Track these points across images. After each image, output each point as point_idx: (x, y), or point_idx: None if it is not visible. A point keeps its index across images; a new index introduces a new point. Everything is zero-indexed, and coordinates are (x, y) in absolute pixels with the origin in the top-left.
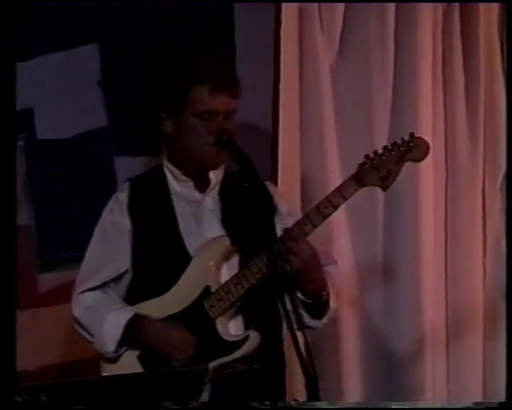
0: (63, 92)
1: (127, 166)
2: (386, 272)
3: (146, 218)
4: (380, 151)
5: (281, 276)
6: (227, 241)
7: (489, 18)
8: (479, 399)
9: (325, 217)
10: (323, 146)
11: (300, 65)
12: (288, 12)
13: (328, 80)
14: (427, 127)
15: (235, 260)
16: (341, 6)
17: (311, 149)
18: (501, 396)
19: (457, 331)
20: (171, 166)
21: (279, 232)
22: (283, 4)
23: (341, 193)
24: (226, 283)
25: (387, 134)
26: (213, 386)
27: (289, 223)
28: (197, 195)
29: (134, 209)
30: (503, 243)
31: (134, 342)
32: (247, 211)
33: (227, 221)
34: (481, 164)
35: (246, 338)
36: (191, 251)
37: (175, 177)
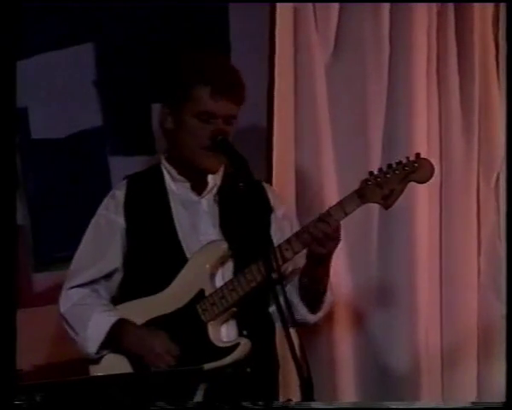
0: (58, 91)
1: (122, 166)
2: (382, 275)
3: (142, 217)
4: (384, 169)
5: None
6: (224, 245)
7: (484, 18)
8: (473, 399)
9: None
10: (318, 146)
11: (295, 65)
12: (283, 12)
13: (322, 80)
14: (422, 127)
15: (230, 264)
16: (336, 6)
17: (305, 149)
18: (497, 397)
19: (452, 330)
20: (168, 166)
21: (274, 235)
22: (278, 4)
23: (343, 208)
24: (221, 288)
25: (382, 134)
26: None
27: (284, 226)
28: (194, 197)
29: (130, 208)
30: (498, 243)
31: (117, 347)
32: (243, 214)
33: (223, 225)
34: (476, 163)
35: (236, 345)
36: (187, 253)
37: (172, 176)
